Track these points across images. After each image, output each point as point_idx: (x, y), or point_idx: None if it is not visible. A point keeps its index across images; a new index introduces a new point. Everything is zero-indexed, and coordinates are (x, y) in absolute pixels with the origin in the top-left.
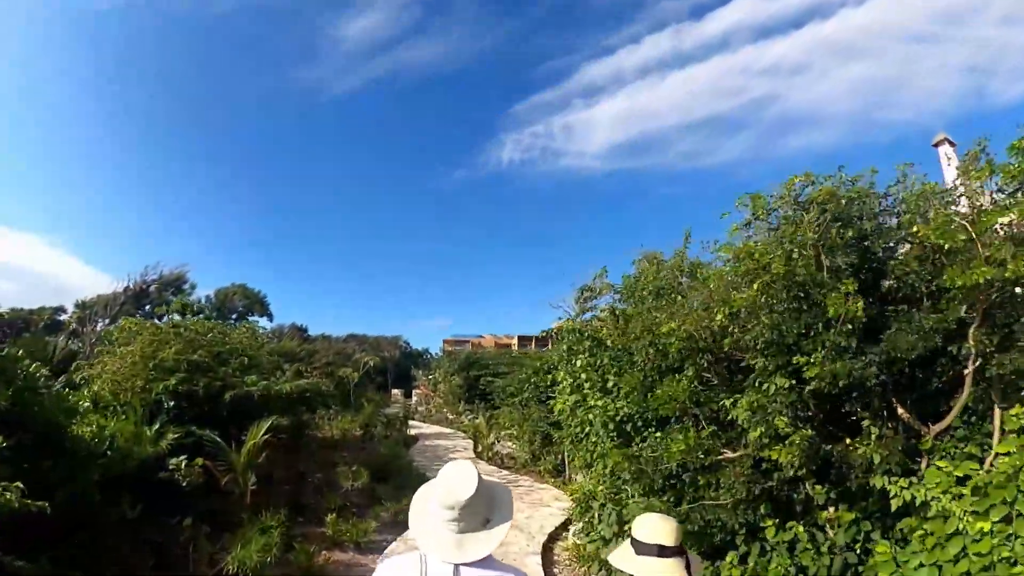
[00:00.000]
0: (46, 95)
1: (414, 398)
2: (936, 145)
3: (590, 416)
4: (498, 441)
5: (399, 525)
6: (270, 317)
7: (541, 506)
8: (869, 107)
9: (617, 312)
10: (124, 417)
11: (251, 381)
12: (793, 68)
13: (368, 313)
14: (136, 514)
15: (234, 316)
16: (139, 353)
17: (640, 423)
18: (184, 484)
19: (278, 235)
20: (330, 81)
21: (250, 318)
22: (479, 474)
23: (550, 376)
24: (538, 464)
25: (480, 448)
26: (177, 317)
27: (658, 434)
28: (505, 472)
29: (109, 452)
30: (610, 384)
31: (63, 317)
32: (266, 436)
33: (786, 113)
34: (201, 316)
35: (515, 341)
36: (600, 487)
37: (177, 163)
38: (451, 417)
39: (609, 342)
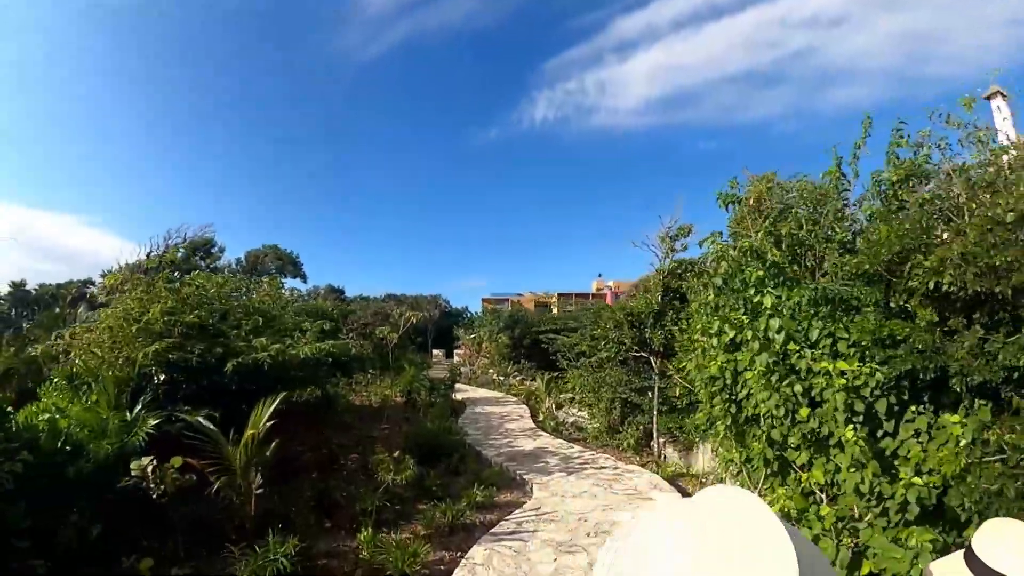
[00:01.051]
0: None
1: (456, 358)
2: (988, 98)
3: (801, 388)
4: (559, 407)
5: (459, 534)
6: (304, 278)
7: (638, 498)
8: (911, 61)
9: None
10: (89, 399)
11: (261, 344)
12: (832, 19)
13: (404, 275)
14: (92, 538)
15: (265, 279)
16: (121, 315)
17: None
18: (157, 495)
19: (313, 200)
20: (356, 47)
21: (285, 279)
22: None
23: (645, 331)
24: (615, 438)
25: (541, 417)
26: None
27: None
28: (577, 448)
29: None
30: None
31: (90, 290)
32: (274, 417)
33: (825, 67)
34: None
35: (555, 298)
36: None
37: (210, 132)
38: (498, 379)
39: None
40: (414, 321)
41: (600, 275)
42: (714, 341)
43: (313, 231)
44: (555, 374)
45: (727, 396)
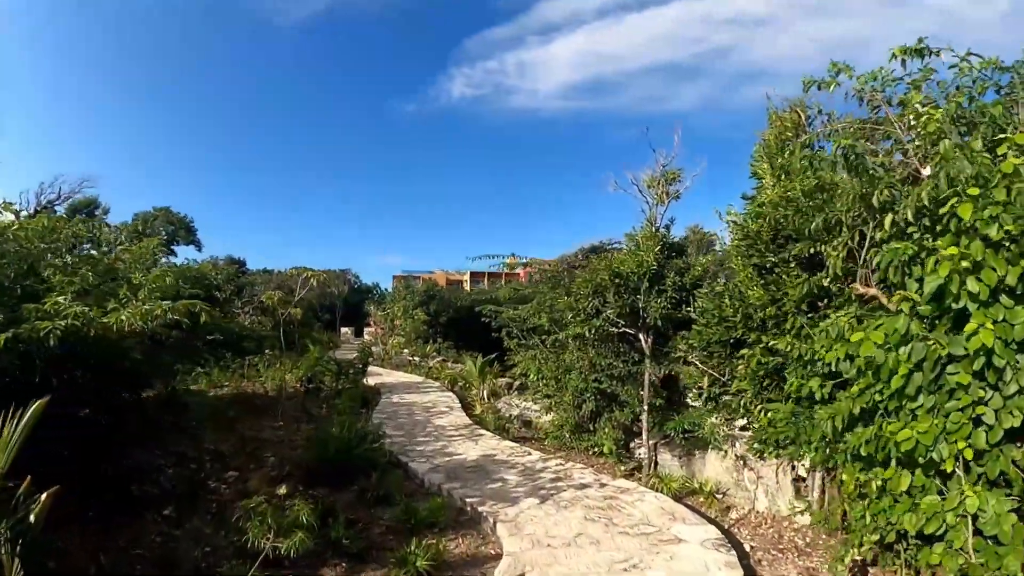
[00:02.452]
0: None
1: (366, 337)
2: None
3: None
4: (496, 395)
5: None
6: (198, 246)
7: (660, 539)
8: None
9: None
10: None
11: (29, 311)
12: (756, 20)
13: (315, 250)
14: None
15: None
16: None
17: None
18: None
19: (220, 166)
20: (279, 11)
21: (176, 247)
22: None
23: (638, 299)
24: (583, 438)
25: (478, 409)
26: None
27: None
28: (536, 454)
29: None
30: None
31: None
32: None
33: (746, 65)
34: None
35: (467, 277)
36: None
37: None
38: (415, 360)
39: None
40: (315, 284)
41: (513, 253)
42: None
43: (218, 200)
44: (491, 356)
45: None
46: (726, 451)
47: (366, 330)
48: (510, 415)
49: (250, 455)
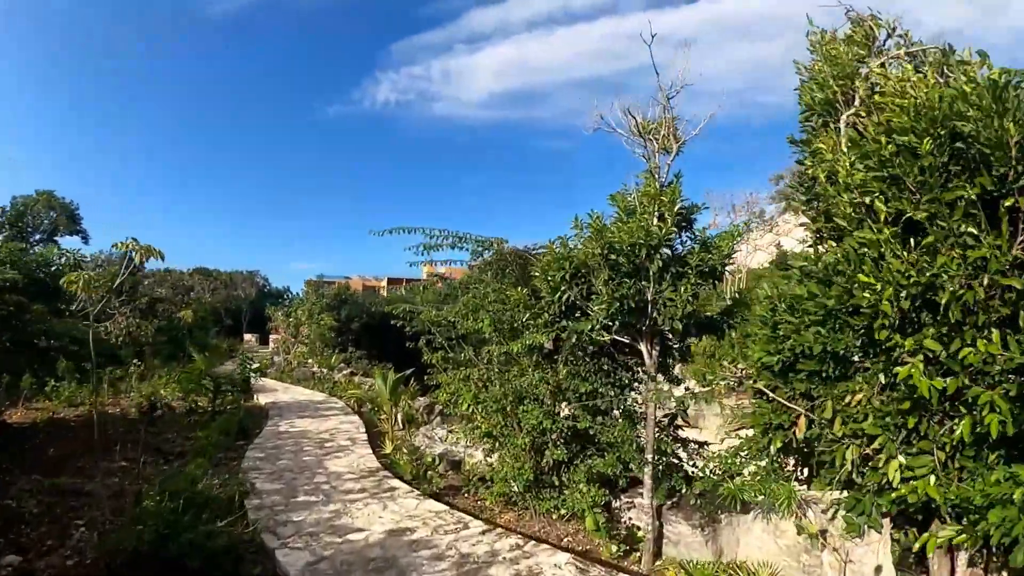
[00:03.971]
0: None
1: (271, 344)
2: None
3: None
4: (413, 422)
5: None
6: (84, 237)
7: None
8: (751, 88)
9: None
10: None
11: None
12: (681, 41)
13: (223, 253)
14: None
15: (37, 235)
16: None
17: None
18: None
19: (131, 159)
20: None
21: (59, 238)
22: None
23: (645, 288)
24: (546, 498)
25: (388, 445)
26: None
27: None
28: (477, 526)
29: None
30: None
31: None
32: None
33: (669, 83)
34: None
35: (384, 283)
36: None
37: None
38: (320, 372)
39: None
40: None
41: (432, 261)
42: None
43: (120, 191)
44: (407, 372)
45: None
46: (800, 524)
47: (272, 337)
48: (432, 454)
49: (55, 520)
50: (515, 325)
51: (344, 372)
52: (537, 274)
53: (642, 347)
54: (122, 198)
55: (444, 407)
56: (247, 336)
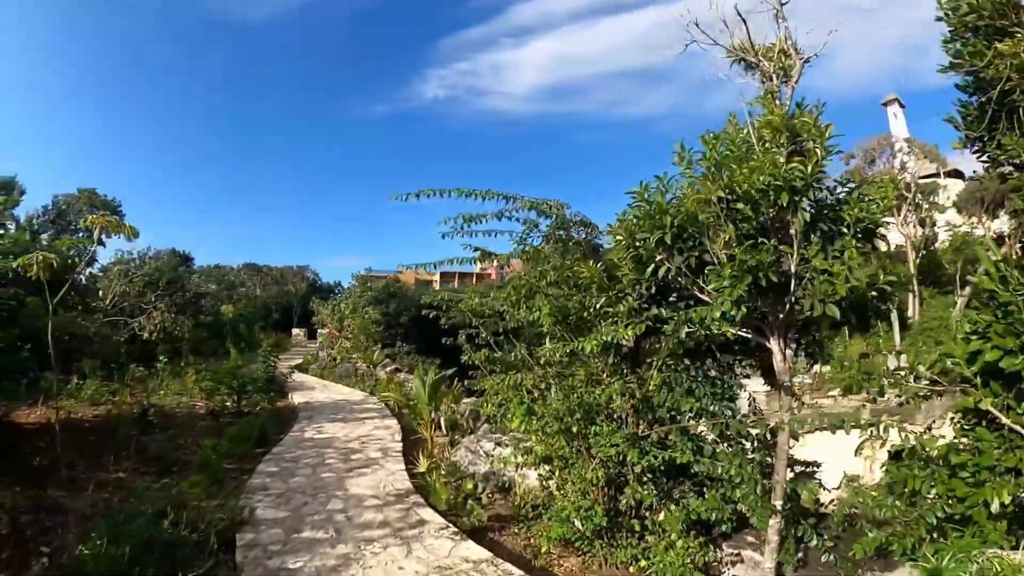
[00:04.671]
0: None
1: (319, 339)
2: (885, 104)
3: None
4: (457, 429)
5: None
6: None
7: None
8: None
9: None
10: None
11: None
12: (730, 22)
13: (274, 250)
14: None
15: (81, 233)
16: None
17: None
18: None
19: (180, 164)
20: (247, 5)
21: (105, 237)
22: None
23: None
24: (623, 545)
25: (423, 463)
26: None
27: None
28: (503, 572)
29: None
30: None
31: None
32: None
33: (709, 74)
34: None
35: (437, 277)
36: None
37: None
38: (362, 368)
39: None
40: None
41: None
42: None
43: (181, 198)
44: (448, 371)
45: None
46: None
47: (322, 332)
48: (476, 473)
49: (22, 543)
50: (584, 315)
51: (388, 369)
52: (619, 239)
53: (772, 343)
54: (178, 199)
55: (490, 420)
56: (295, 331)
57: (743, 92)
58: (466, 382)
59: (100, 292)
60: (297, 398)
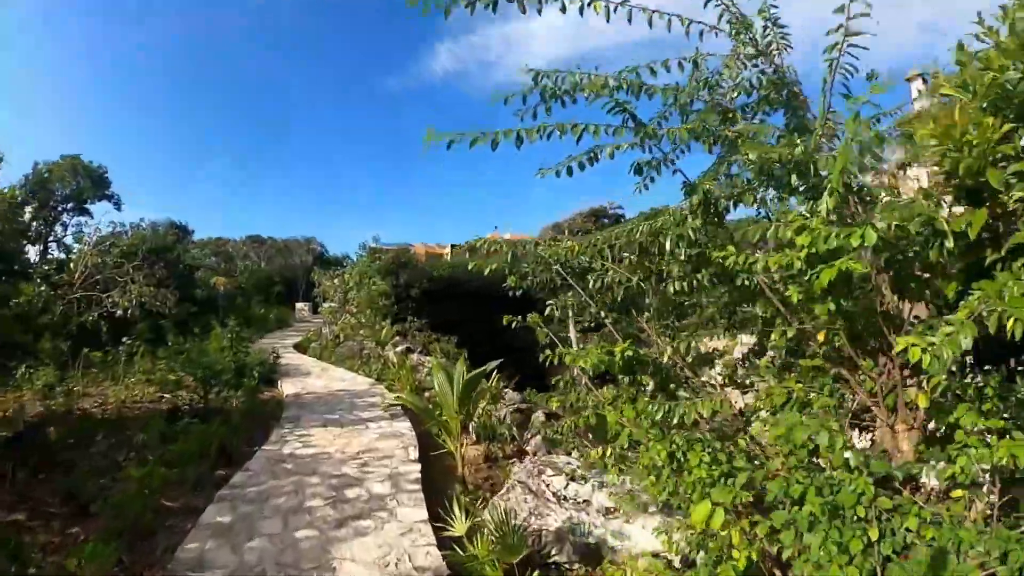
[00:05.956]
0: None
1: (322, 314)
2: (909, 80)
3: None
4: (514, 444)
5: None
6: (116, 203)
7: None
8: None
9: None
10: None
11: None
12: None
13: (280, 223)
14: None
15: (66, 203)
16: None
17: None
18: None
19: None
20: None
21: (89, 205)
22: None
23: None
24: None
25: (456, 495)
26: None
27: None
28: None
29: None
30: None
31: None
32: None
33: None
34: None
35: (447, 250)
36: None
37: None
38: (369, 347)
39: None
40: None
41: (496, 227)
42: None
43: (193, 172)
44: (490, 364)
45: None
46: None
47: (326, 304)
48: (542, 532)
49: None
50: None
51: (399, 348)
52: None
53: None
54: (180, 170)
55: (608, 458)
56: (299, 305)
57: None
58: (498, 378)
59: (72, 265)
60: (287, 387)
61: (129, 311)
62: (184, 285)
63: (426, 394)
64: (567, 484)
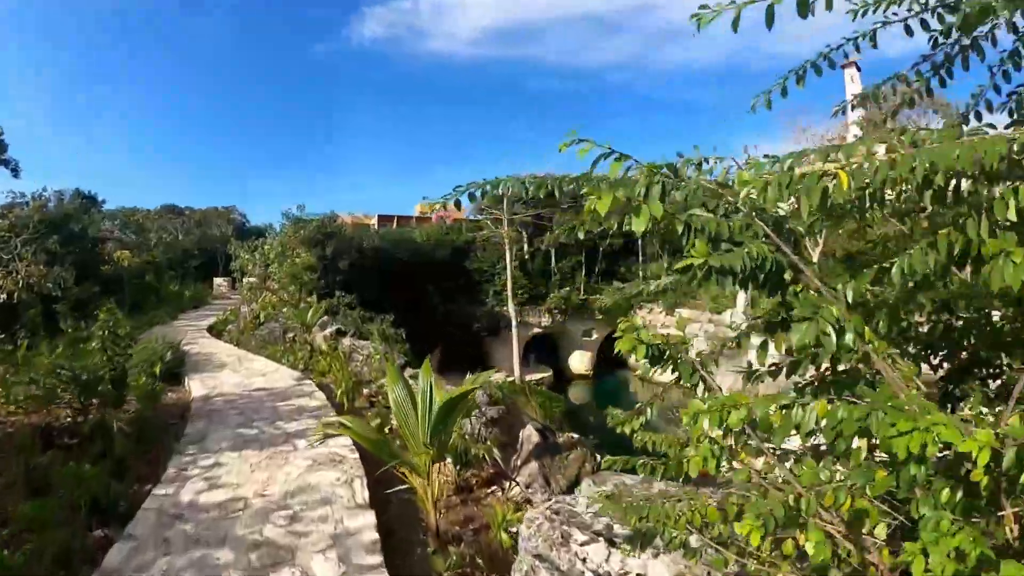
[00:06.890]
0: None
1: (240, 290)
2: (844, 67)
3: None
4: (473, 466)
5: None
6: (14, 169)
7: None
8: (757, 33)
9: None
10: None
11: None
12: None
13: (200, 194)
14: None
15: None
16: None
17: None
18: None
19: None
20: None
21: None
22: None
23: None
24: None
25: (432, 526)
26: None
27: None
28: None
29: None
30: None
31: None
32: None
33: (669, 23)
34: None
35: (375, 221)
36: None
37: None
38: (294, 328)
39: None
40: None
41: (425, 197)
42: None
43: (103, 140)
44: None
45: None
46: None
47: (246, 280)
48: None
49: None
50: None
51: (328, 330)
52: None
53: None
54: (91, 138)
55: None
56: (218, 281)
57: None
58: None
59: None
60: (196, 386)
61: (16, 294)
62: (88, 262)
63: (365, 391)
64: (608, 554)
